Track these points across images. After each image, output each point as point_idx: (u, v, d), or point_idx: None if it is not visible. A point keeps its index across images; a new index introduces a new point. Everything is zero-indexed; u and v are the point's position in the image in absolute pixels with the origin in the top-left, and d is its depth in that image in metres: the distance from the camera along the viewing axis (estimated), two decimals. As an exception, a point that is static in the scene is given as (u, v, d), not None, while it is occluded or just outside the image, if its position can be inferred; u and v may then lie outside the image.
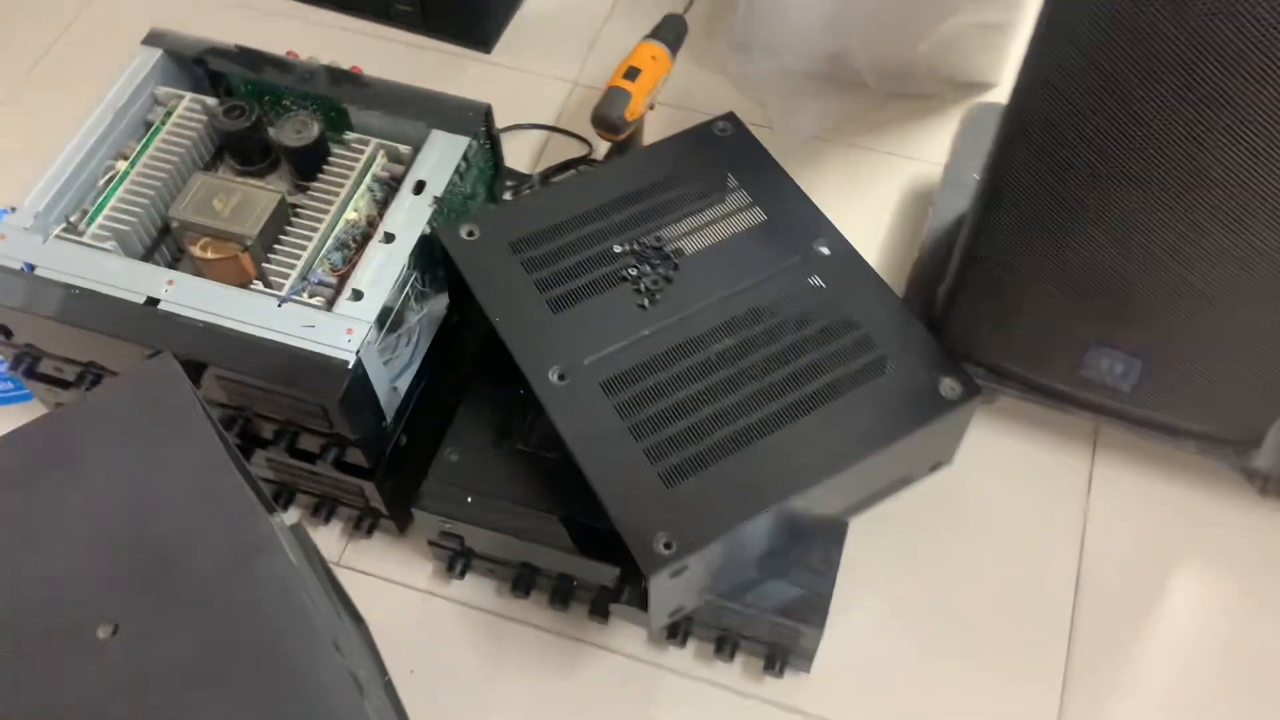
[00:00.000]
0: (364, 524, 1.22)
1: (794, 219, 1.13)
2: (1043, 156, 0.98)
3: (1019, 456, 1.30)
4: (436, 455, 1.10)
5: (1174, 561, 1.23)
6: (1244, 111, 0.85)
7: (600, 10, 1.75)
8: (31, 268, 1.06)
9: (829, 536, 1.08)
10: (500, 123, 1.23)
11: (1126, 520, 1.25)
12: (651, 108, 1.40)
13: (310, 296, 1.06)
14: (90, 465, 0.84)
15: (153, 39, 1.24)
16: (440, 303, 1.17)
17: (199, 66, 1.24)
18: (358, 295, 1.05)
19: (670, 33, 1.42)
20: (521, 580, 1.13)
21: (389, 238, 1.09)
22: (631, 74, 1.35)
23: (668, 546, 0.92)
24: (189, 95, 1.19)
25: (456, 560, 1.16)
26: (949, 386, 1.01)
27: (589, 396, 1.00)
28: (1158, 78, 0.86)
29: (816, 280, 1.08)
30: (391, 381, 1.12)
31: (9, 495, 0.83)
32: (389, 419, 1.12)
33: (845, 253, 1.11)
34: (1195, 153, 0.89)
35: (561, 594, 1.13)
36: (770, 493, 0.95)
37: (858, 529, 1.10)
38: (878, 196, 1.52)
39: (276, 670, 0.76)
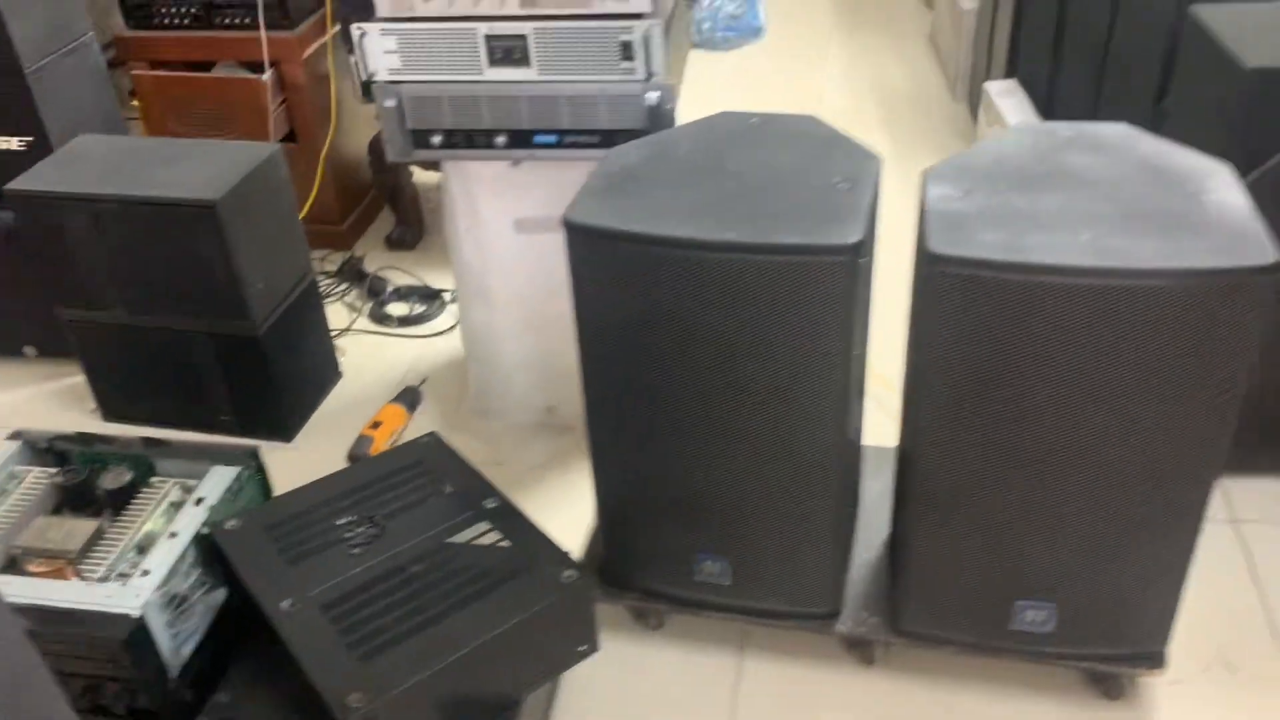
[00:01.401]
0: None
1: (471, 489, 1.60)
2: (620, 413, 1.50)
3: (678, 657, 1.69)
4: (210, 698, 1.45)
5: None
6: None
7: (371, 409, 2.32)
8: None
9: (505, 712, 1.44)
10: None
11: (772, 696, 1.63)
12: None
13: (113, 581, 1.47)
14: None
15: (15, 435, 1.72)
16: (223, 592, 1.58)
17: (48, 449, 1.72)
18: (146, 573, 1.46)
19: (408, 399, 1.98)
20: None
21: (173, 535, 1.53)
22: (375, 425, 1.88)
23: (358, 703, 1.28)
24: (37, 469, 1.66)
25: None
26: (566, 576, 1.44)
27: (310, 615, 1.40)
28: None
29: (484, 524, 1.54)
30: (178, 645, 1.50)
31: None
32: (174, 673, 1.48)
33: (505, 506, 1.57)
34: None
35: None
36: (435, 660, 1.33)
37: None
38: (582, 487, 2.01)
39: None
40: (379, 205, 2.99)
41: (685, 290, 1.35)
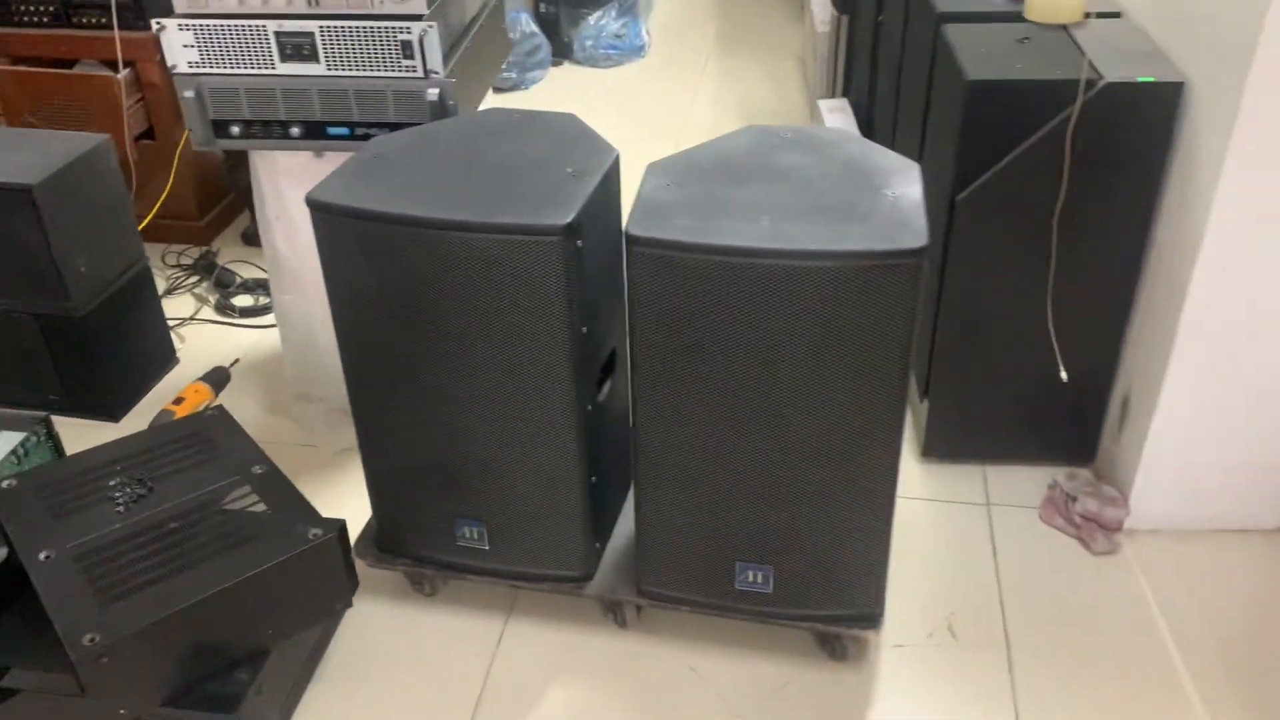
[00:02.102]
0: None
1: (242, 458, 1.70)
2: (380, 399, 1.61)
3: (448, 620, 1.79)
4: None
5: (571, 692, 1.70)
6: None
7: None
8: None
9: (251, 661, 1.54)
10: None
11: (526, 657, 1.74)
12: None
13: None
14: None
15: None
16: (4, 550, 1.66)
17: None
18: (-85, 526, 1.54)
19: (214, 378, 2.07)
20: None
21: (-50, 492, 1.61)
22: (178, 401, 1.97)
23: (92, 640, 1.37)
24: None
25: None
26: (312, 534, 1.54)
27: (64, 565, 1.48)
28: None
29: (247, 489, 1.64)
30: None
31: None
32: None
33: (272, 473, 1.67)
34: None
35: None
36: (171, 605, 1.43)
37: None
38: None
39: None
40: (243, 204, 3.08)
41: (418, 267, 1.46)
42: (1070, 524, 1.93)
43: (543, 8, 4.08)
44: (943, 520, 1.98)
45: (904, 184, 1.46)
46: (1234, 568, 1.87)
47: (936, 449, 2.09)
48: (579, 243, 1.44)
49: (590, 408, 1.59)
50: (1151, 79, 1.68)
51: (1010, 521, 1.97)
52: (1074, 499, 1.93)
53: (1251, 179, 1.59)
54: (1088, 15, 1.92)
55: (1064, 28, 1.89)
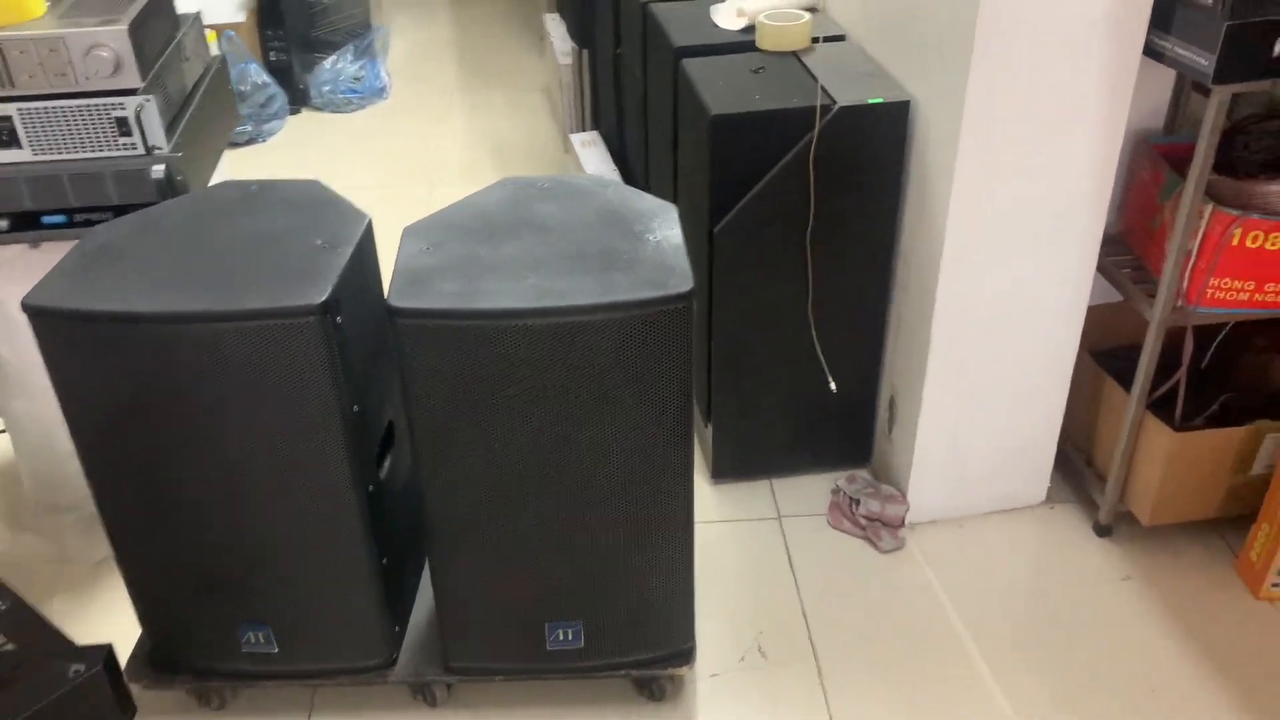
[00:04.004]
0: None
1: None
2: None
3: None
4: None
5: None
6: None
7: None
8: None
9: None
10: None
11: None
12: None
13: None
14: None
15: None
16: None
17: None
18: None
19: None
20: None
21: None
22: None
23: None
24: None
25: None
26: (74, 671, 1.39)
27: None
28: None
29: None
30: None
31: None
32: None
33: (16, 606, 1.49)
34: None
35: None
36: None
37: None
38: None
39: None
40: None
41: (162, 365, 1.34)
42: (857, 526, 2.01)
43: (273, 55, 3.91)
44: (739, 539, 2.02)
45: (664, 226, 1.47)
46: (1008, 546, 1.99)
47: (725, 470, 2.13)
48: (338, 319, 1.37)
49: (372, 488, 1.51)
50: (880, 100, 1.77)
51: (802, 531, 2.03)
52: (857, 501, 2.01)
53: (979, 187, 1.70)
54: (815, 40, 2.01)
55: (794, 55, 1.96)
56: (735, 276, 1.89)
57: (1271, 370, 2.02)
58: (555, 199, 1.55)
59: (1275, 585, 1.83)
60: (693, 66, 1.93)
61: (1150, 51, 1.64)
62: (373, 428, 1.53)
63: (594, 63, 3.01)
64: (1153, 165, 1.83)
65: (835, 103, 1.76)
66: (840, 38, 2.04)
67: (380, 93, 4.04)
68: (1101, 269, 1.89)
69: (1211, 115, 1.58)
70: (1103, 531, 1.99)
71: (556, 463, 1.41)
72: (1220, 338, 1.96)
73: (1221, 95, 1.55)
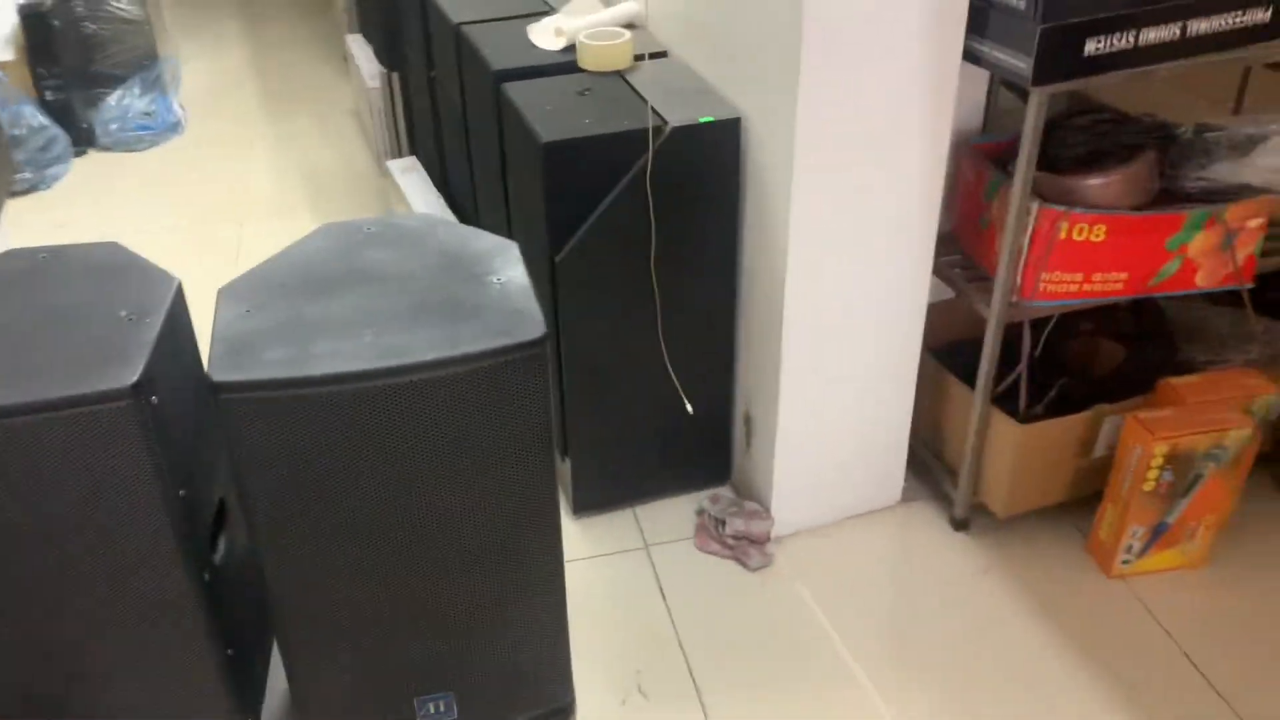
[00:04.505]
0: None
1: None
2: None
3: None
4: None
5: None
6: None
7: None
8: None
9: None
10: None
11: None
12: None
13: None
14: None
15: None
16: None
17: None
18: None
19: None
20: None
21: None
22: None
23: None
24: None
25: None
26: None
27: None
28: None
29: None
30: None
31: None
32: None
33: None
34: None
35: None
36: None
37: None
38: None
39: None
40: None
41: (-54, 470, 1.17)
42: (724, 547, 1.98)
43: (49, 94, 3.59)
44: (607, 574, 1.95)
45: (507, 267, 1.39)
46: (871, 549, 2.00)
47: (587, 503, 2.06)
48: (153, 399, 1.23)
49: (208, 576, 1.37)
50: (712, 119, 1.74)
51: (670, 558, 1.98)
52: (722, 522, 1.98)
53: (817, 200, 1.69)
54: (638, 58, 1.96)
55: (619, 74, 1.91)
56: (581, 305, 1.83)
57: (1100, 353, 2.10)
58: (385, 244, 1.44)
59: (1125, 562, 1.90)
60: (516, 91, 1.86)
61: (970, 56, 1.67)
62: (203, 510, 1.39)
63: (405, 86, 2.89)
64: (976, 165, 1.87)
65: (667, 123, 1.72)
66: (663, 54, 2.00)
67: (175, 128, 3.78)
68: (935, 270, 1.92)
69: (1032, 116, 1.61)
70: (959, 526, 2.03)
71: (412, 529, 1.31)
72: (1050, 326, 2.03)
73: (1040, 96, 1.59)
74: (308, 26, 4.91)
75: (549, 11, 2.18)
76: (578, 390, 1.91)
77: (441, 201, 2.58)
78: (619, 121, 1.73)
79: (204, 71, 4.38)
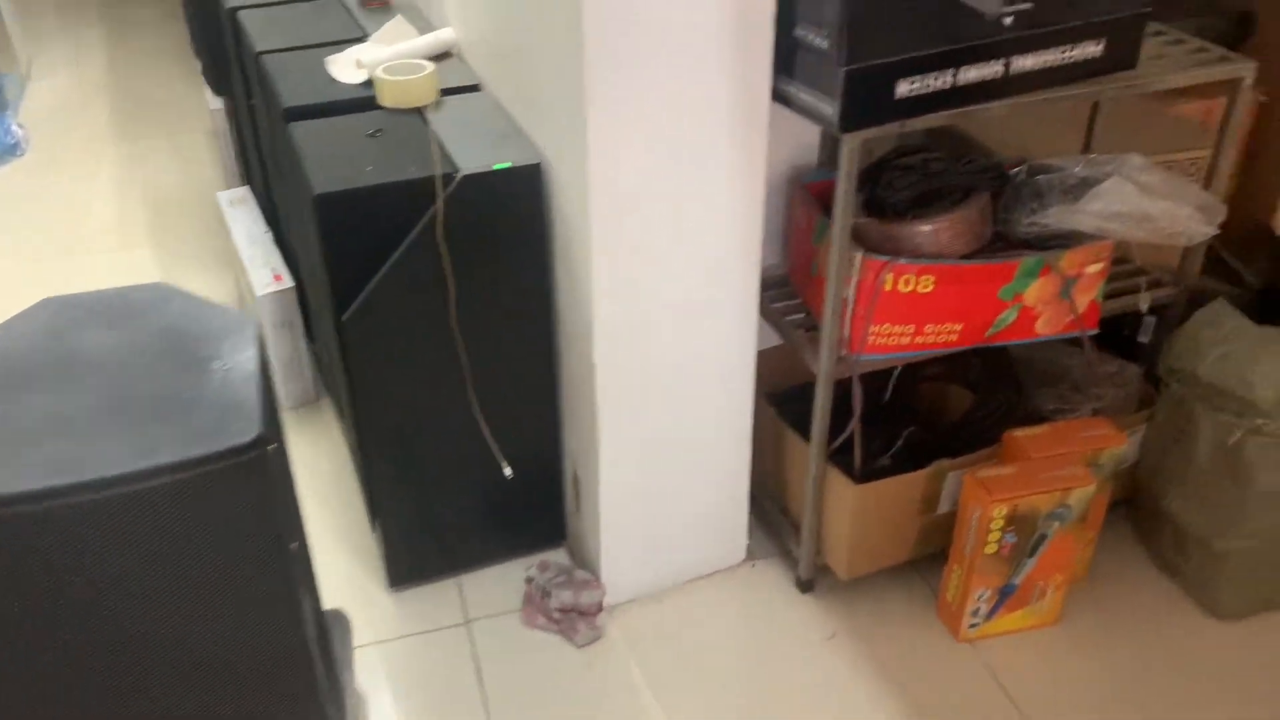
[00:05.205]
0: None
1: None
2: None
3: None
4: None
5: None
6: None
7: None
8: None
9: None
10: None
11: None
12: None
13: None
14: None
15: None
16: None
17: None
18: None
19: None
20: None
21: None
22: None
23: None
24: None
25: None
26: None
27: None
28: None
29: None
30: None
31: None
32: None
33: None
34: None
35: None
36: None
37: None
38: None
39: None
40: None
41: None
42: (551, 621, 1.83)
43: None
44: (421, 656, 1.80)
45: (236, 349, 1.22)
46: (711, 615, 1.87)
47: (404, 574, 1.90)
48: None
49: None
50: (508, 164, 1.59)
51: (492, 636, 1.83)
52: (549, 594, 1.83)
53: (620, 249, 1.55)
54: (447, 92, 1.80)
55: (420, 112, 1.75)
56: (376, 367, 1.66)
57: (949, 398, 1.99)
58: (105, 324, 1.27)
59: (973, 625, 1.79)
60: (302, 132, 1.69)
61: (781, 98, 1.54)
62: None
63: (235, 111, 2.69)
64: (805, 206, 1.74)
65: (458, 170, 1.56)
66: (474, 88, 1.84)
67: (13, 150, 3.54)
68: (768, 315, 1.79)
69: (845, 163, 1.48)
70: (805, 587, 1.90)
71: (123, 676, 1.14)
72: (898, 371, 1.91)
73: (852, 142, 1.46)
74: (175, 36, 4.66)
75: (363, 38, 2.01)
76: (381, 455, 1.75)
77: (270, 239, 2.40)
78: (405, 169, 1.57)
79: (56, 87, 4.12)
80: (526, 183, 1.61)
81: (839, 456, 1.79)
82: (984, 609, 1.77)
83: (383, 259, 1.59)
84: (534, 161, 1.60)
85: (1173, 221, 1.50)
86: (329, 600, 1.86)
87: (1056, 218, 1.55)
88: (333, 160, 1.60)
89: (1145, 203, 1.49)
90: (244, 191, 2.62)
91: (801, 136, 1.83)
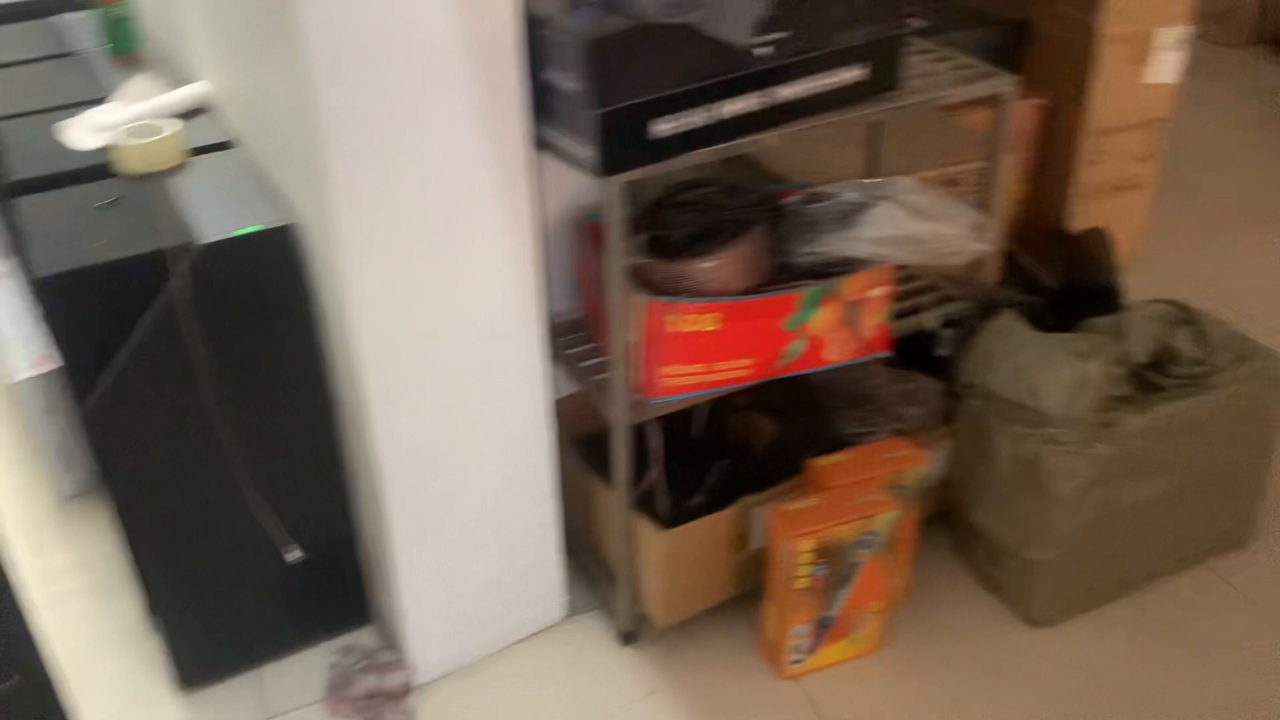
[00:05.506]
0: None
1: None
2: None
3: None
4: None
5: None
6: None
7: None
8: None
9: None
10: None
11: None
12: None
13: None
14: None
15: None
16: None
17: None
18: None
19: None
20: None
21: None
22: None
23: None
24: None
25: None
26: None
27: None
28: None
29: None
30: None
31: None
32: None
33: None
34: None
35: None
36: None
37: None
38: None
39: None
40: None
41: None
42: (356, 710, 1.71)
43: None
44: (218, 763, 1.65)
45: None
46: (529, 683, 1.78)
47: (194, 673, 1.75)
48: None
49: None
50: (255, 228, 1.47)
51: (296, 729, 1.70)
52: (351, 680, 1.71)
53: (383, 310, 1.46)
54: (192, 153, 1.67)
55: (165, 176, 1.62)
56: (130, 456, 1.52)
57: (757, 428, 1.96)
58: None
59: (796, 661, 1.75)
60: (29, 207, 1.54)
61: (544, 144, 1.47)
62: None
63: None
64: (590, 247, 1.68)
65: (196, 240, 1.44)
66: (226, 145, 1.72)
67: None
68: (563, 360, 1.72)
69: (615, 208, 1.43)
70: (627, 639, 1.83)
71: None
72: (707, 406, 1.87)
73: (614, 186, 1.41)
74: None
75: (104, 99, 1.86)
76: (149, 548, 1.60)
77: (37, 316, 2.20)
78: (138, 243, 1.44)
79: None
80: (279, 247, 1.49)
81: (652, 499, 1.73)
82: (805, 644, 1.74)
83: (120, 340, 1.45)
84: (286, 223, 1.49)
85: (944, 242, 1.50)
86: (110, 709, 1.71)
87: (832, 246, 1.53)
88: (60, 237, 1.46)
89: (915, 225, 1.48)
90: (6, 266, 2.41)
91: (583, 177, 1.77)
